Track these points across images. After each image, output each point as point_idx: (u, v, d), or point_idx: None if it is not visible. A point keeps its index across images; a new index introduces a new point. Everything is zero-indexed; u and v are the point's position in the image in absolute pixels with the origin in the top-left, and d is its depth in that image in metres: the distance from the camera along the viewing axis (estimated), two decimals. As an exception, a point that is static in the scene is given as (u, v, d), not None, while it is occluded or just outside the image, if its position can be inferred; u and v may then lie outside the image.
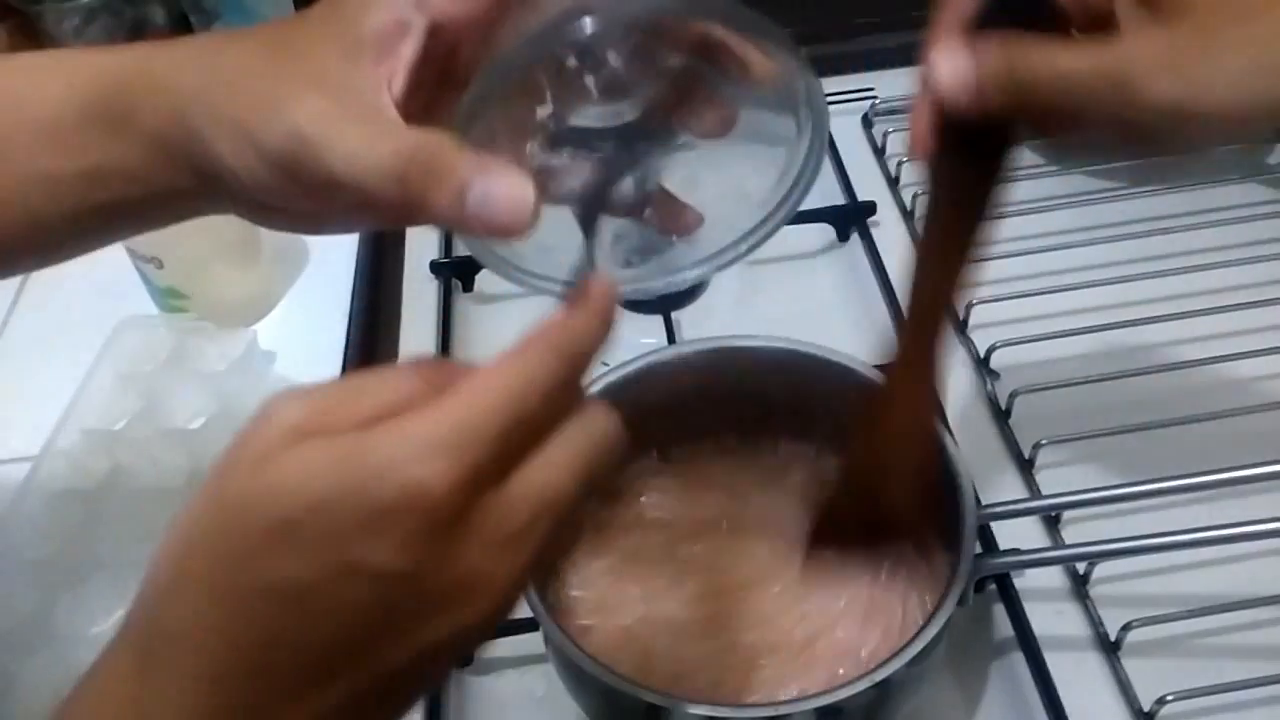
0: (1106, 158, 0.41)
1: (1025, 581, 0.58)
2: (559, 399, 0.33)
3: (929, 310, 0.45)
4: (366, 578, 0.30)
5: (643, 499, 0.57)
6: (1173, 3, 0.38)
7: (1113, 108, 0.38)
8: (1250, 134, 0.37)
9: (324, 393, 0.32)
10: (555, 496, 0.32)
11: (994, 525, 0.58)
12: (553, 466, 0.33)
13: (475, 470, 0.31)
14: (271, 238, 0.80)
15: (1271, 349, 0.66)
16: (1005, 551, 0.55)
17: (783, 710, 0.44)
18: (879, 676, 0.43)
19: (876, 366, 0.50)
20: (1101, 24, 0.40)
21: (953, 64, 0.38)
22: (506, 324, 0.78)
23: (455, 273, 0.79)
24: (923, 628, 0.45)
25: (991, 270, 0.73)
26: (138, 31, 0.89)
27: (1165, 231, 0.73)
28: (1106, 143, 0.42)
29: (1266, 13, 0.37)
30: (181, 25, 0.90)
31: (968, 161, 0.41)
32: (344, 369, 0.73)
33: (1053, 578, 0.58)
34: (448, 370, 0.33)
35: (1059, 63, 0.38)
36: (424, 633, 0.31)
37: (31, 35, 0.89)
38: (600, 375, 0.56)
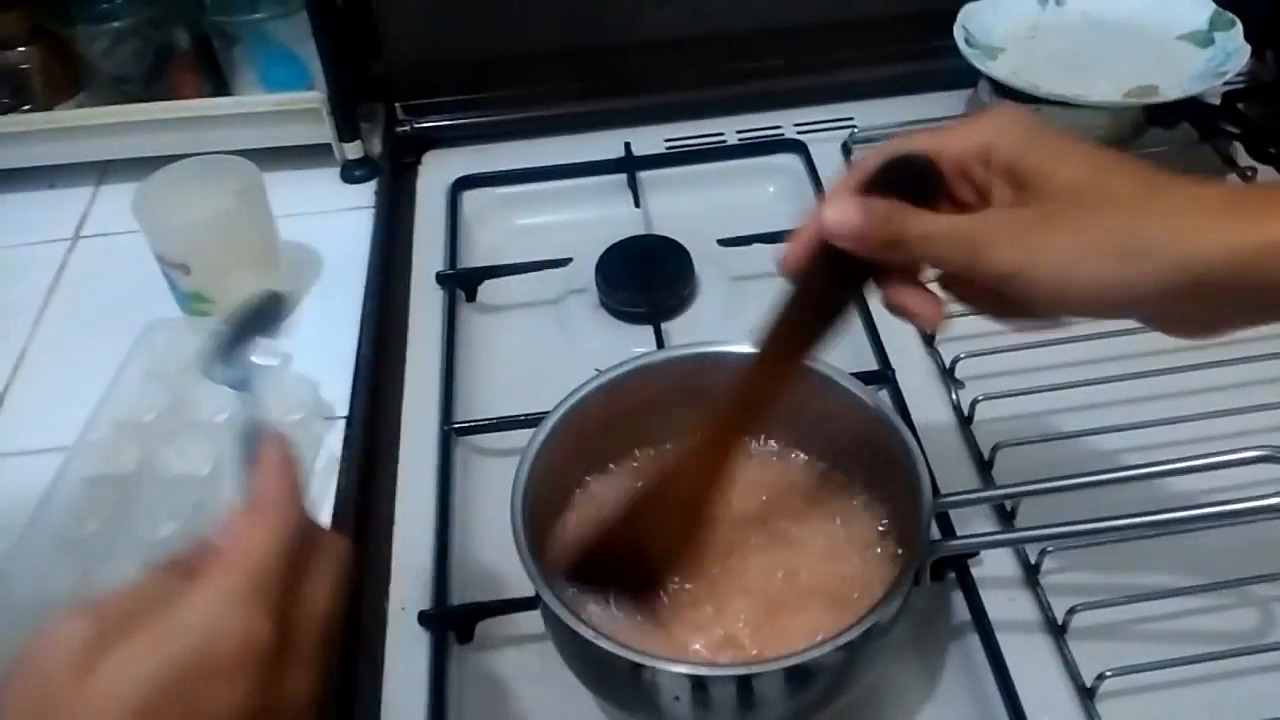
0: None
1: (982, 571, 0.63)
2: (308, 538, 0.41)
3: (759, 400, 0.52)
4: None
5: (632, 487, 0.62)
6: (1035, 186, 0.45)
7: (963, 266, 0.45)
8: (1074, 309, 0.45)
9: (96, 604, 0.36)
10: (323, 619, 0.41)
11: (953, 515, 0.63)
12: (317, 596, 0.41)
13: (277, 607, 0.38)
14: (288, 246, 0.85)
15: (1219, 361, 0.71)
16: (962, 536, 0.60)
17: (755, 669, 0.49)
18: (843, 640, 0.48)
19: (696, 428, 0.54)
20: (982, 197, 0.48)
21: (842, 213, 0.46)
22: (507, 332, 0.83)
23: (460, 284, 0.84)
24: (884, 599, 0.50)
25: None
26: (163, 54, 0.94)
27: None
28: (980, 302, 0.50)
29: (1107, 205, 0.43)
30: (204, 48, 0.95)
31: (833, 284, 0.49)
32: (356, 370, 0.77)
33: (1006, 567, 0.64)
34: (188, 555, 0.39)
35: (926, 226, 0.46)
36: None
37: (62, 56, 0.94)
38: (596, 377, 0.61)
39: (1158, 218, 0.42)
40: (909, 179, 0.47)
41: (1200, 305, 0.43)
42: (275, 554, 0.39)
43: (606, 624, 0.54)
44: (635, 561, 0.55)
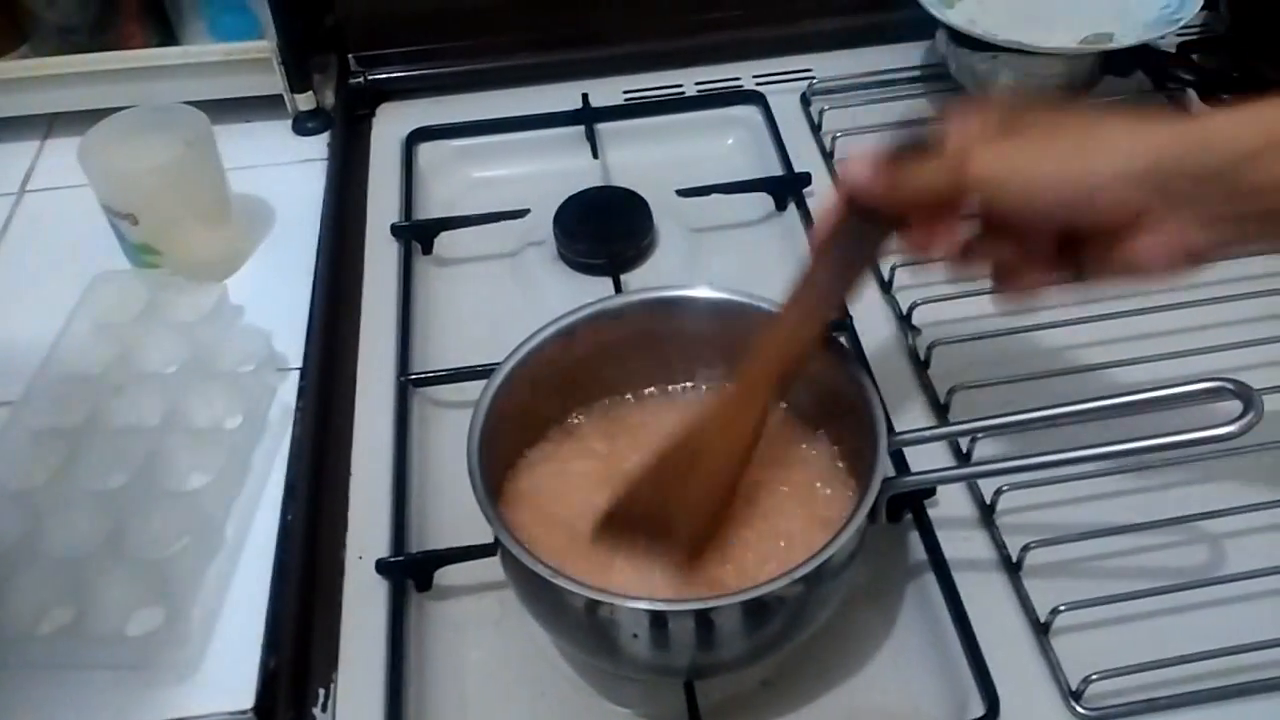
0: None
1: (938, 511, 0.63)
2: None
3: (786, 358, 0.56)
4: None
5: (588, 434, 0.62)
6: (1010, 129, 0.49)
7: (949, 185, 0.50)
8: (1057, 206, 0.49)
9: None
10: None
11: (909, 455, 0.63)
12: None
13: None
14: (240, 199, 0.84)
15: (1177, 304, 0.72)
16: (917, 472, 0.60)
17: (711, 604, 0.49)
18: (799, 575, 0.48)
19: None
20: None
21: (859, 167, 0.51)
22: (464, 285, 0.82)
23: (415, 235, 0.83)
24: (838, 533, 0.50)
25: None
26: (109, 3, 0.92)
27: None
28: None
29: (1064, 126, 0.49)
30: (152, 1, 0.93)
31: (854, 240, 0.54)
32: (310, 321, 0.76)
33: (962, 508, 0.64)
34: None
35: (922, 163, 0.50)
36: None
37: (5, 6, 0.92)
38: (551, 323, 0.61)
39: (1116, 122, 0.49)
40: (913, 150, 0.51)
41: (1151, 193, 0.47)
42: None
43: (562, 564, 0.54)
44: (662, 524, 0.55)
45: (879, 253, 0.57)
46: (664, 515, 0.55)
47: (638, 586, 0.54)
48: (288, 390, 0.72)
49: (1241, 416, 0.49)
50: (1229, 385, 0.51)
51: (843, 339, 0.71)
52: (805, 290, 0.55)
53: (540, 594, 0.52)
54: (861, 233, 0.53)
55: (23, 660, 0.58)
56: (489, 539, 0.56)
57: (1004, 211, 0.50)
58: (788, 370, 0.56)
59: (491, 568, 0.58)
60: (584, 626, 0.51)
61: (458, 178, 0.92)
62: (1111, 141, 0.48)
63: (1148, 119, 0.48)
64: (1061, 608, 0.57)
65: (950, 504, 0.64)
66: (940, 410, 0.69)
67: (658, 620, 0.49)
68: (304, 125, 0.94)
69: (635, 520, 0.55)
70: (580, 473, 0.61)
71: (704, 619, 0.49)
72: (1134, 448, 0.52)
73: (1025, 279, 0.53)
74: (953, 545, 0.61)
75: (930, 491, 0.63)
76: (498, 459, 0.58)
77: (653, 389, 0.65)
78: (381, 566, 0.61)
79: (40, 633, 0.59)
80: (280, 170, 0.91)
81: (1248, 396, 0.50)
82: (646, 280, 0.80)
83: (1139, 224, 0.48)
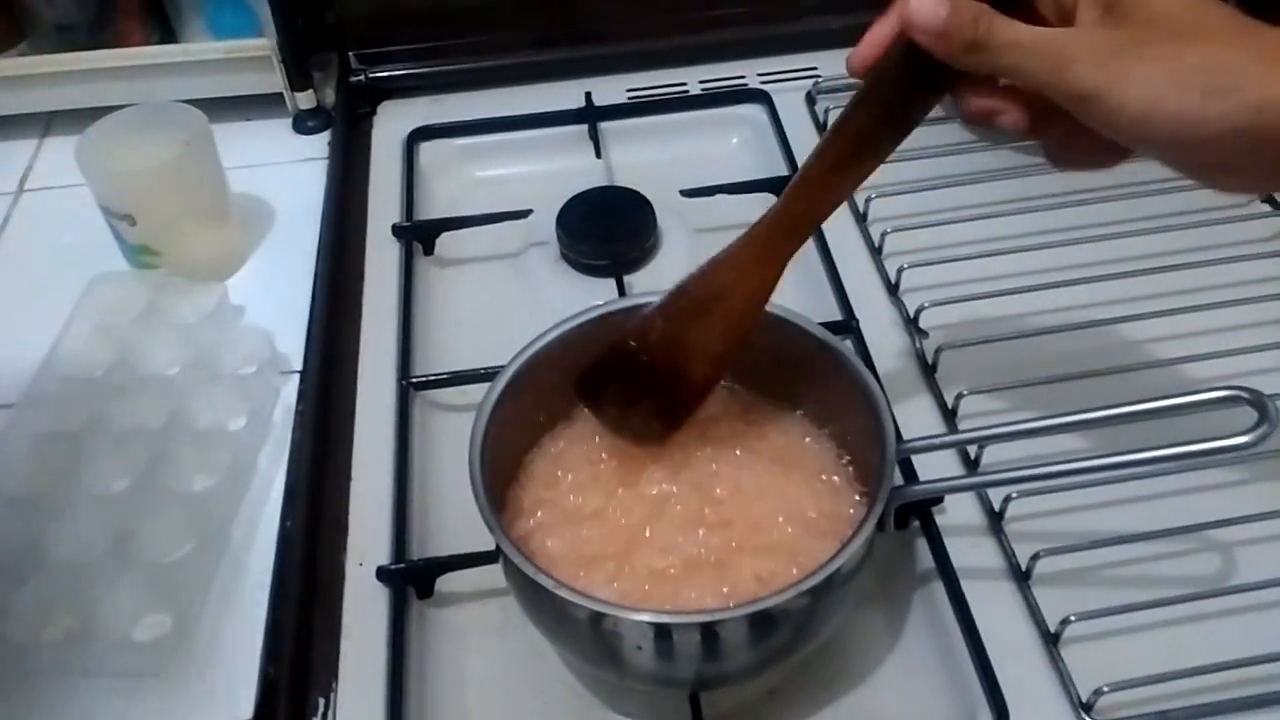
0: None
1: (946, 519, 0.62)
2: None
3: (814, 207, 0.51)
4: None
5: (593, 438, 0.61)
6: (1124, 12, 0.44)
7: (1040, 81, 0.44)
8: (1149, 140, 0.44)
9: None
10: None
11: (917, 462, 0.62)
12: None
13: None
14: (240, 198, 0.83)
15: (1192, 307, 0.71)
16: (925, 481, 0.60)
17: (717, 617, 0.48)
18: (806, 586, 0.48)
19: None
20: (1064, 17, 0.46)
21: (931, 7, 0.44)
22: (466, 286, 0.81)
23: (417, 236, 0.82)
24: (845, 545, 0.49)
25: (920, 238, 0.79)
26: (107, 1, 0.91)
27: (1080, 204, 0.79)
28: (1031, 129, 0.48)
29: (1199, 39, 0.42)
30: (150, -3, 0.92)
31: (908, 89, 0.47)
32: (310, 323, 0.75)
33: (970, 515, 0.63)
34: None
35: (1016, 31, 0.44)
36: None
37: (3, 4, 0.91)
38: (554, 327, 0.60)
39: (1251, 58, 0.42)
40: None
41: (1273, 154, 0.42)
42: None
43: (567, 575, 0.54)
44: (661, 374, 0.53)
45: (929, 111, 0.49)
46: (670, 359, 0.53)
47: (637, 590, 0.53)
48: (291, 392, 0.72)
49: (1256, 427, 0.48)
50: (1244, 394, 0.50)
51: (849, 342, 0.71)
52: (837, 143, 0.49)
53: (543, 604, 0.51)
54: (912, 85, 0.47)
55: (27, 668, 0.57)
56: (492, 545, 0.55)
57: (1100, 128, 0.44)
58: (808, 226, 0.52)
59: (494, 574, 0.58)
60: (587, 638, 0.50)
61: (459, 177, 0.91)
62: (1243, 88, 0.41)
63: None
64: (1072, 618, 0.56)
65: (959, 511, 0.63)
66: (948, 415, 0.68)
67: (662, 633, 0.48)
68: (304, 124, 0.93)
69: (632, 364, 0.53)
70: (584, 477, 0.60)
71: (709, 631, 0.48)
72: (1145, 458, 0.51)
73: (1085, 166, 0.49)
74: (961, 553, 0.60)
75: (938, 499, 0.62)
76: (500, 464, 0.57)
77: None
78: (382, 574, 0.61)
79: (45, 640, 0.58)
80: (280, 169, 0.90)
81: (1262, 405, 0.49)
82: (650, 281, 0.79)
83: (1244, 170, 0.44)
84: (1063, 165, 0.50)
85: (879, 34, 0.47)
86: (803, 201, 0.51)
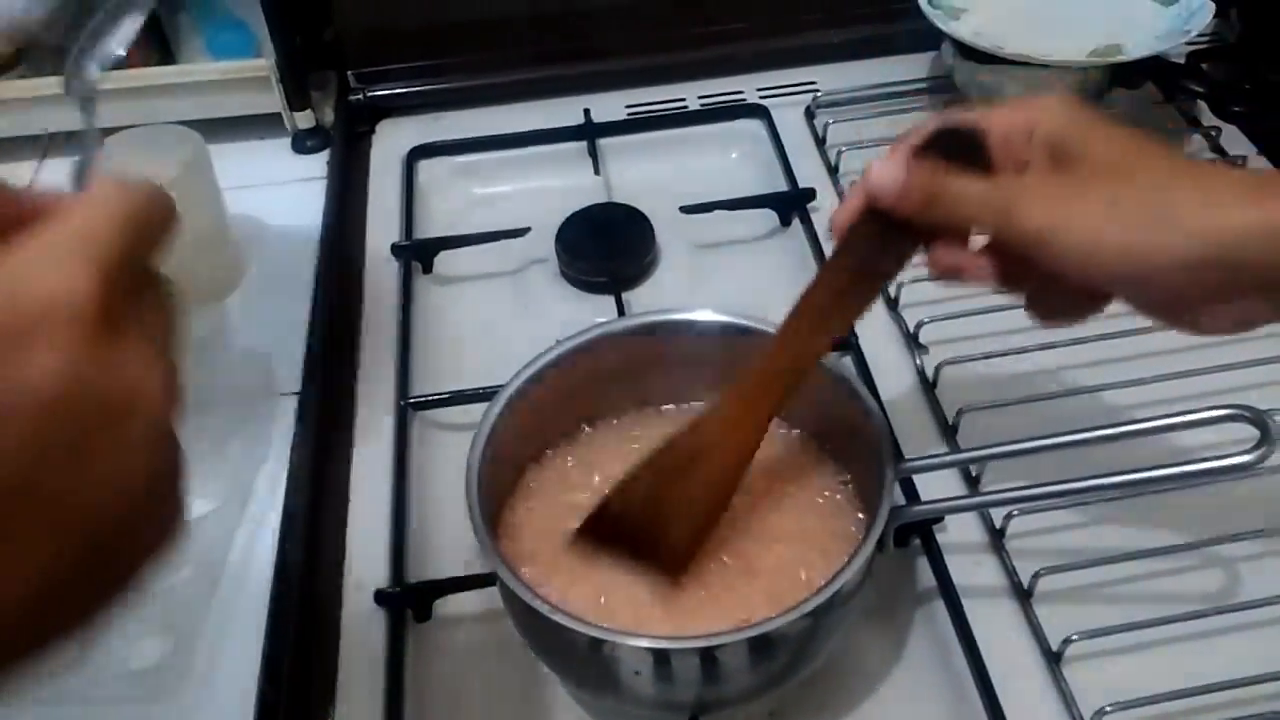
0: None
1: (946, 536, 0.62)
2: (163, 228, 0.33)
3: (798, 358, 0.53)
4: (26, 397, 0.27)
5: (590, 459, 0.61)
6: (1072, 162, 0.46)
7: (994, 224, 0.47)
8: (1098, 275, 0.45)
9: None
10: (173, 313, 0.33)
11: (918, 480, 0.62)
12: (166, 284, 0.32)
13: (114, 276, 0.29)
14: (238, 219, 0.83)
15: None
16: (926, 501, 0.59)
17: (718, 641, 0.48)
18: (805, 609, 0.47)
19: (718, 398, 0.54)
20: (1021, 171, 0.48)
21: (889, 172, 0.48)
22: (465, 304, 0.81)
23: (416, 255, 0.82)
24: (845, 566, 0.49)
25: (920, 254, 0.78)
26: (106, 22, 0.91)
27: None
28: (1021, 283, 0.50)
29: (1130, 179, 0.45)
30: (148, 17, 0.92)
31: (880, 249, 0.50)
32: (309, 345, 0.75)
33: (971, 532, 0.63)
34: (25, 198, 0.31)
35: (962, 185, 0.47)
36: (95, 457, 0.28)
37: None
38: (552, 347, 0.60)
39: (1189, 191, 0.44)
40: (957, 146, 0.48)
41: (1218, 280, 0.44)
42: (118, 218, 0.30)
43: (564, 596, 0.53)
44: (649, 533, 0.53)
45: (903, 264, 0.51)
46: (656, 517, 0.53)
47: (633, 613, 0.53)
48: (289, 413, 0.71)
49: (1258, 446, 0.48)
50: (1245, 413, 0.50)
51: (848, 359, 0.70)
52: (817, 295, 0.52)
53: (540, 629, 0.51)
54: (884, 241, 0.50)
55: (24, 697, 0.57)
56: (490, 567, 0.55)
57: (1052, 269, 0.45)
58: (794, 379, 0.53)
59: (493, 595, 0.57)
60: (585, 663, 0.50)
61: (459, 194, 0.91)
62: (1187, 217, 0.43)
63: (1220, 181, 0.44)
64: (1074, 637, 0.56)
65: (959, 529, 0.63)
66: (949, 431, 0.68)
67: (661, 658, 0.48)
68: (303, 143, 0.93)
69: (622, 523, 0.54)
70: (583, 497, 0.60)
71: (708, 656, 0.48)
72: (1147, 477, 0.51)
73: (1065, 316, 0.50)
74: (962, 571, 0.60)
75: (939, 518, 0.62)
76: (498, 486, 0.57)
77: (656, 410, 0.64)
78: (380, 597, 0.61)
79: (41, 668, 0.58)
80: (279, 189, 0.90)
81: (1264, 424, 0.49)
82: (649, 298, 0.79)
83: (1199, 301, 0.45)
84: (1045, 318, 0.51)
85: (854, 200, 0.50)
86: (788, 355, 0.53)
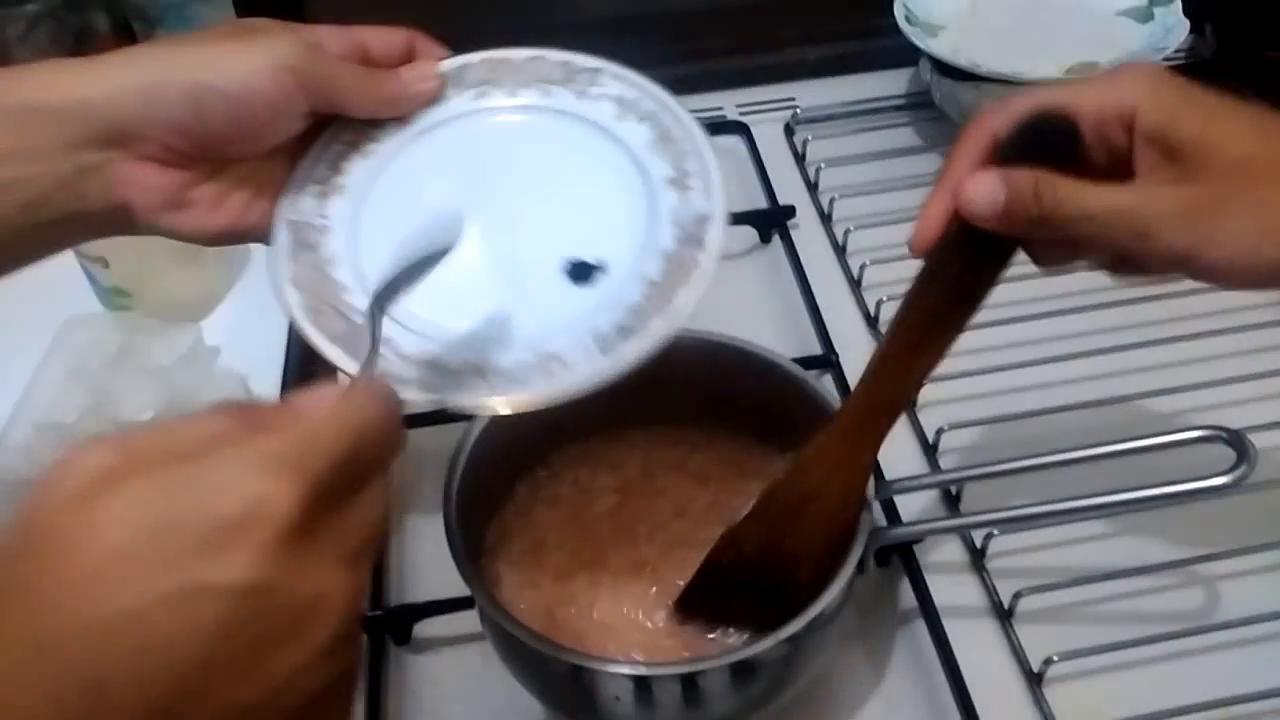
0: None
1: (927, 556, 0.62)
2: (388, 446, 0.35)
3: (897, 390, 0.49)
4: (214, 597, 0.28)
5: (569, 478, 0.61)
6: (1194, 159, 0.42)
7: (1127, 248, 0.43)
8: (1251, 287, 0.44)
9: (131, 437, 0.31)
10: (380, 528, 0.34)
11: (899, 501, 0.62)
12: (379, 500, 0.34)
13: (317, 488, 0.31)
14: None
15: (1166, 339, 0.71)
16: (907, 522, 0.59)
17: (699, 667, 0.47)
18: (785, 634, 0.47)
19: (818, 434, 0.51)
20: (1121, 163, 0.44)
21: (986, 190, 0.43)
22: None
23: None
24: (824, 590, 0.49)
25: (901, 270, 0.78)
26: (82, 38, 0.90)
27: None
28: (1104, 267, 0.48)
29: (1273, 184, 0.42)
30: (125, 32, 0.92)
31: (974, 263, 0.45)
32: (286, 363, 0.75)
33: (952, 553, 0.63)
34: (262, 410, 0.33)
35: (1085, 200, 0.42)
36: (274, 662, 0.30)
37: (-25, 40, 0.91)
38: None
39: None
40: (1050, 142, 0.43)
41: None
42: (341, 435, 0.32)
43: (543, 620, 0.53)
44: (768, 581, 0.52)
45: (1002, 273, 0.46)
46: (774, 566, 0.52)
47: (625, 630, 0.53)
48: (264, 434, 0.71)
49: (1235, 468, 0.48)
50: (1222, 434, 0.50)
51: (829, 377, 0.70)
52: (910, 321, 0.47)
53: (521, 655, 0.50)
54: (981, 256, 0.45)
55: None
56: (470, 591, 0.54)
57: (1199, 280, 0.44)
58: (894, 412, 0.50)
59: (473, 618, 0.57)
60: (566, 688, 0.50)
61: (438, 211, 0.91)
62: None
63: None
64: (1055, 657, 0.56)
65: (940, 548, 0.63)
66: (929, 450, 0.68)
67: (641, 684, 0.48)
68: (281, 160, 0.92)
69: (731, 576, 0.52)
70: (563, 518, 0.59)
71: (689, 682, 0.48)
72: (1126, 499, 0.51)
73: (1154, 277, 0.47)
74: (943, 591, 0.60)
75: (919, 538, 0.62)
76: (477, 508, 0.57)
77: (636, 430, 0.64)
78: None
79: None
80: (257, 206, 0.89)
81: (1241, 446, 0.49)
82: (630, 316, 0.79)
83: None
84: (1045, 265, 0.48)
85: (936, 210, 0.45)
86: (884, 385, 0.49)
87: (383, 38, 0.50)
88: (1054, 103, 0.44)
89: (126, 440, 0.31)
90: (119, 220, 0.46)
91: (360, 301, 0.47)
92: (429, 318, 0.46)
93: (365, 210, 0.50)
